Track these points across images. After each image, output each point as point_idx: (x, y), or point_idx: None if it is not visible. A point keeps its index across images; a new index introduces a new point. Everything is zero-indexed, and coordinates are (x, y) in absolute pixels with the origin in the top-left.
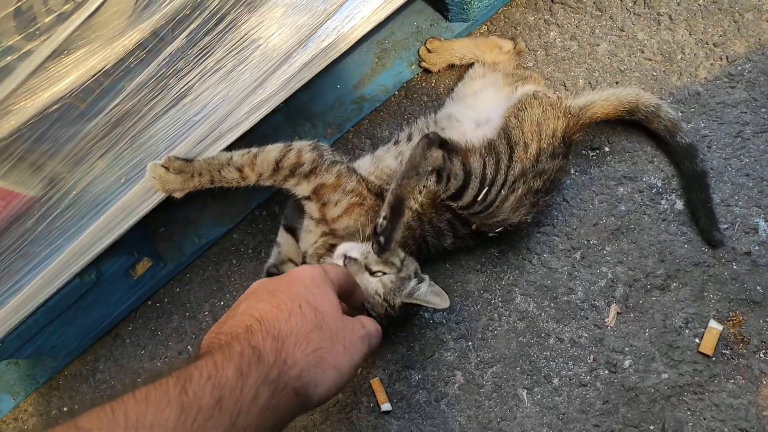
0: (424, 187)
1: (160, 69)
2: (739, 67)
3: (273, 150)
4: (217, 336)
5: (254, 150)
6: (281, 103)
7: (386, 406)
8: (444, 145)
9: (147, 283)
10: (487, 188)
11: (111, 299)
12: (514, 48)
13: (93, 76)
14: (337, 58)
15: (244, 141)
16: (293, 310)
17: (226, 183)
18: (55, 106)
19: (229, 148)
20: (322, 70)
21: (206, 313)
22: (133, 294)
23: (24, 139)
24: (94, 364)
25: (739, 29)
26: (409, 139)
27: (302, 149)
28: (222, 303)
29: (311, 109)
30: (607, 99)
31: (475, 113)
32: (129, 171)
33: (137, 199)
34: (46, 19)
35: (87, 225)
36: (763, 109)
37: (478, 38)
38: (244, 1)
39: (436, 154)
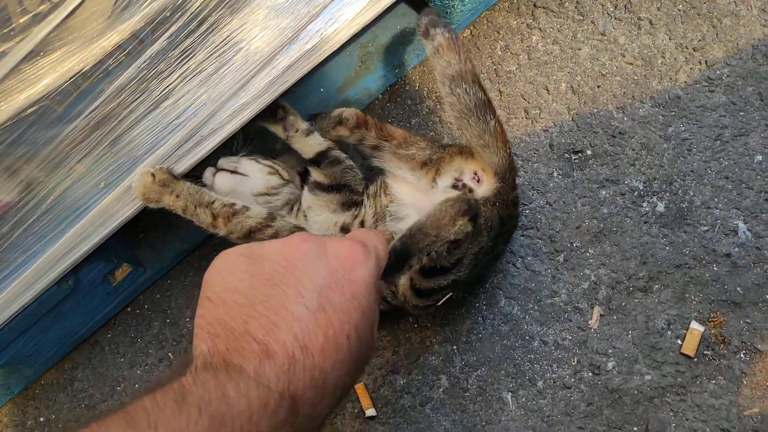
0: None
1: (140, 71)
2: (718, 72)
3: (253, 219)
4: (225, 351)
5: (237, 206)
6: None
7: (371, 412)
8: (476, 219)
9: (126, 290)
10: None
11: (89, 306)
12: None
13: (71, 78)
14: (320, 62)
15: (225, 147)
16: (340, 344)
17: (196, 220)
18: (32, 109)
19: (214, 153)
20: (306, 73)
21: (187, 319)
22: (112, 301)
23: None
24: (72, 373)
25: (717, 34)
26: (362, 223)
27: (281, 231)
28: None
29: None
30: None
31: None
32: (108, 176)
33: (117, 205)
34: (21, 20)
35: (65, 231)
36: (741, 113)
37: None
38: (226, 3)
39: (464, 226)
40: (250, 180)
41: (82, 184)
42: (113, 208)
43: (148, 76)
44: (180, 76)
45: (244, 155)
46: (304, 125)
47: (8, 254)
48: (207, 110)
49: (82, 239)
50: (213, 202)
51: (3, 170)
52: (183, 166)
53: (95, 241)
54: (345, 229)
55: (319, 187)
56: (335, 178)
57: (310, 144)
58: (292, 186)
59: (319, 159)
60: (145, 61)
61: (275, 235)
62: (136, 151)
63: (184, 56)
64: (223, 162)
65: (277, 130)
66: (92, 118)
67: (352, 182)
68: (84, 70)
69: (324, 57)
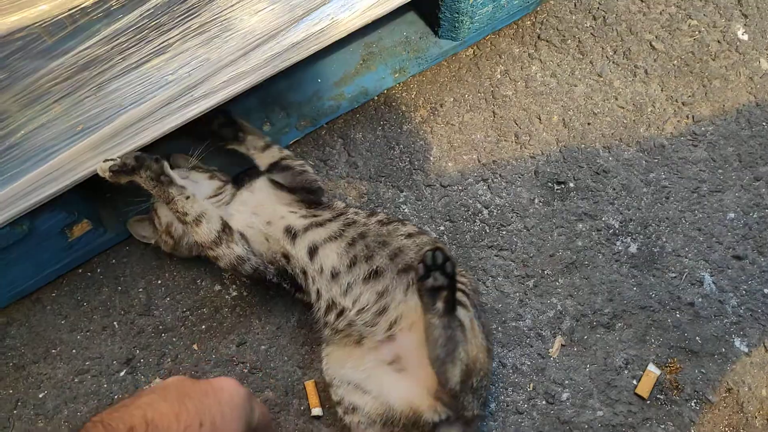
0: None
1: (141, 19)
2: (703, 128)
3: (200, 236)
4: (99, 424)
5: (189, 218)
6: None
7: (317, 411)
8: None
9: (82, 248)
10: None
11: (40, 258)
12: None
13: (69, 11)
14: (322, 50)
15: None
16: (191, 426)
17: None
18: (20, 34)
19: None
20: (305, 59)
21: (140, 290)
22: (65, 257)
23: None
24: (6, 328)
25: (706, 93)
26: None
27: (221, 258)
28: (159, 281)
29: (288, 98)
30: None
31: None
32: (88, 120)
33: (90, 153)
34: None
35: (29, 170)
36: (720, 170)
37: None
38: None
39: None
40: (199, 185)
41: (58, 124)
42: (85, 156)
43: (149, 26)
44: (181, 32)
45: (193, 167)
46: (261, 142)
47: None
48: (203, 72)
49: (47, 182)
50: (171, 201)
51: None
52: (167, 126)
53: (60, 187)
54: (289, 231)
55: (276, 185)
56: (289, 182)
57: (265, 157)
58: (230, 186)
59: (271, 169)
60: (148, 10)
61: (217, 259)
62: (122, 101)
63: (189, 13)
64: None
65: (240, 148)
66: (82, 57)
67: (307, 184)
68: (84, 5)
69: (330, 42)
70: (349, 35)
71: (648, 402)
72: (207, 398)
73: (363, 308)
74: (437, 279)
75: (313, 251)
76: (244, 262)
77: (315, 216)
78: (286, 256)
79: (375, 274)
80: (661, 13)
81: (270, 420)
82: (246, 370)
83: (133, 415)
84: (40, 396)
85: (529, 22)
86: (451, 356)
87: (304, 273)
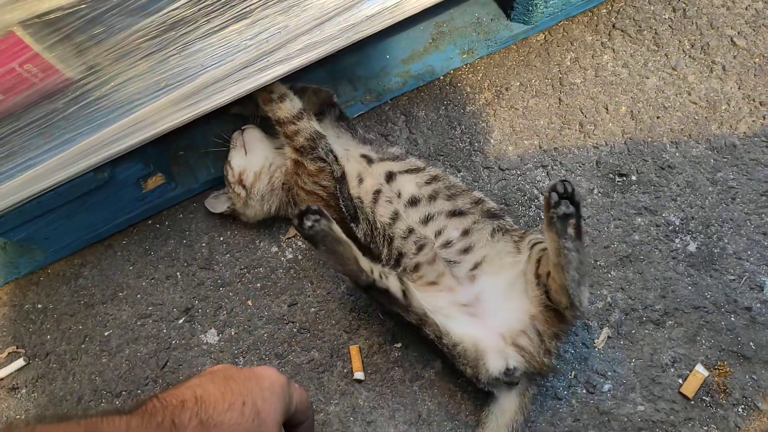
0: None
1: None
2: None
3: (282, 111)
4: (155, 399)
5: (274, 96)
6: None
7: (359, 375)
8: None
9: (154, 200)
10: None
11: (116, 206)
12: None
13: None
14: (393, 27)
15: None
16: (234, 404)
17: None
18: None
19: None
20: (375, 34)
21: (203, 245)
22: (138, 207)
23: (80, 16)
24: (80, 269)
25: None
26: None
27: (302, 130)
28: (221, 239)
29: (356, 72)
30: None
31: None
32: (171, 78)
33: (171, 108)
34: None
35: (115, 120)
36: None
37: None
38: None
39: None
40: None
41: (143, 79)
42: (166, 111)
43: None
44: None
45: None
46: None
47: (56, 130)
48: (280, 39)
49: (129, 134)
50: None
51: (73, 46)
52: (243, 88)
53: (141, 139)
54: (365, 157)
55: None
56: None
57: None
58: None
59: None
60: None
61: (296, 133)
62: (203, 61)
63: None
64: None
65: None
66: (170, 17)
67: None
68: None
69: (403, 17)
70: (420, 13)
71: (692, 402)
72: (249, 383)
73: (448, 242)
74: (568, 207)
75: (390, 177)
76: (322, 137)
77: (389, 154)
78: (361, 178)
79: (459, 213)
80: (746, 8)
81: (309, 405)
82: (295, 330)
83: (185, 393)
84: (106, 334)
85: (604, 10)
86: (584, 278)
87: (376, 194)
